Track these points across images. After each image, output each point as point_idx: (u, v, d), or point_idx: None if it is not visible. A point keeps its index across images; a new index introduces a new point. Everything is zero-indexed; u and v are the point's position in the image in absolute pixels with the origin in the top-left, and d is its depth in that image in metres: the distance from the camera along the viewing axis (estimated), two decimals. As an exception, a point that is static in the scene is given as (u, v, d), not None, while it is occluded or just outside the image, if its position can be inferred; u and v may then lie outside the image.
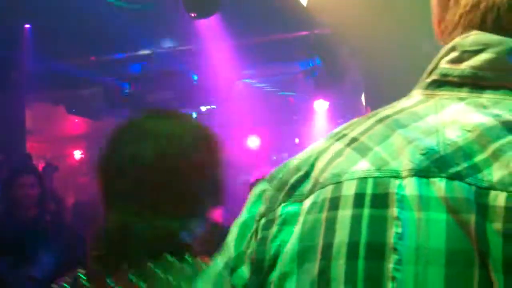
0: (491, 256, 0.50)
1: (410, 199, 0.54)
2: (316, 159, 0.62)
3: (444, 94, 0.62)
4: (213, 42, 6.34)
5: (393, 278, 0.52)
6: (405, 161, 0.56)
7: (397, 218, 0.54)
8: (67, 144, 11.20)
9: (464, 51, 0.61)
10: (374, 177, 0.56)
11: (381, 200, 0.55)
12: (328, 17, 5.14)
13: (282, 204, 0.61)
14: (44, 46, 6.20)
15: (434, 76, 0.63)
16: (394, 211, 0.54)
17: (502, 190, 0.52)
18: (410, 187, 0.54)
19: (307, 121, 9.23)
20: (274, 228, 0.60)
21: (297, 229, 0.59)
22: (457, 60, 0.62)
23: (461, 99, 0.60)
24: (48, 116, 9.70)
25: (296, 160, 0.65)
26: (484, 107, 0.58)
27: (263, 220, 0.62)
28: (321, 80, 7.01)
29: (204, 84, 7.49)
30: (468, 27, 0.64)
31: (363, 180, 0.57)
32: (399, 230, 0.53)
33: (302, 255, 0.57)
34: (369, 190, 0.56)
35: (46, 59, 6.61)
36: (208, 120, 7.65)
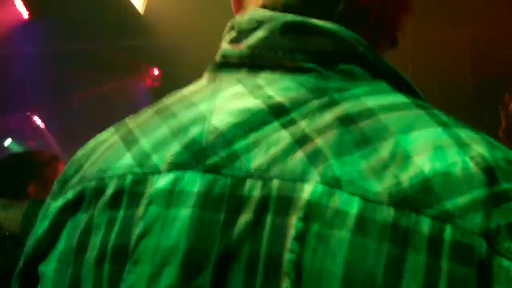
0: (233, 255, 0.48)
1: (161, 196, 0.51)
2: (94, 150, 0.60)
3: (224, 77, 0.58)
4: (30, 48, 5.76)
5: (124, 280, 0.50)
6: (167, 155, 0.53)
7: (142, 217, 0.51)
8: None
9: (241, 30, 0.58)
10: (134, 174, 0.53)
11: (133, 198, 0.52)
12: (167, 26, 5.10)
13: (53, 200, 0.59)
14: None
15: (217, 58, 0.60)
16: (141, 209, 0.51)
17: (258, 178, 0.49)
18: (163, 182, 0.52)
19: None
20: (41, 224, 0.58)
21: (48, 226, 0.57)
22: (236, 40, 0.58)
23: (239, 80, 0.56)
24: None
25: (80, 151, 0.62)
26: (259, 87, 0.55)
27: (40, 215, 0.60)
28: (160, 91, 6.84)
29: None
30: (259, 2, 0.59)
31: (122, 177, 0.54)
32: (140, 229, 0.51)
33: (60, 255, 0.55)
34: (126, 188, 0.53)
35: None
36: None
